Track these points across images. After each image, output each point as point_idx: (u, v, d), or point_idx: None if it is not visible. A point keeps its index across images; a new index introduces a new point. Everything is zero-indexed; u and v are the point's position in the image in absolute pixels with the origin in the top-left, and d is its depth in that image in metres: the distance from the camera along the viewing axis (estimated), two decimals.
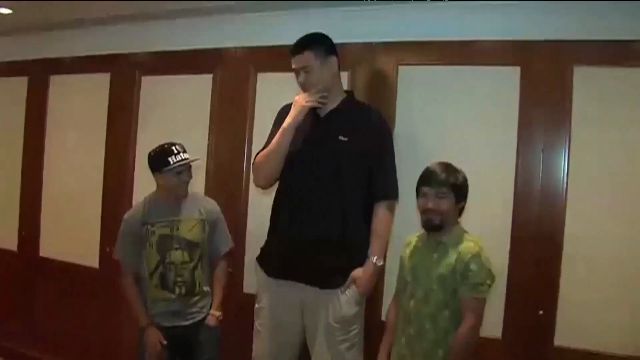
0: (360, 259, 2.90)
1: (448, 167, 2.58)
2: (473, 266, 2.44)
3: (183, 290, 3.19)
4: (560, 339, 3.00)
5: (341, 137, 2.88)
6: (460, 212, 2.64)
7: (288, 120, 2.89)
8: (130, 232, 3.24)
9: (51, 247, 4.63)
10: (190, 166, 3.22)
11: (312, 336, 2.97)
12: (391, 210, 2.96)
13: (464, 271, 2.45)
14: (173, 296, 3.18)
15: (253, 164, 3.09)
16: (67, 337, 4.49)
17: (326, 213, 2.88)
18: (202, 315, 3.25)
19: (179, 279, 3.18)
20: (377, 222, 2.92)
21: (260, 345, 3.06)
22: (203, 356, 3.21)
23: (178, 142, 3.24)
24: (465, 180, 2.59)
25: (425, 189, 2.58)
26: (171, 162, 3.11)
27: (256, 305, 3.10)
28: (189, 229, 3.21)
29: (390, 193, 2.95)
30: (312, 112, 2.96)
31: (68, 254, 4.51)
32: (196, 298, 3.23)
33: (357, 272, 2.87)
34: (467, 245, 2.50)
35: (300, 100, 2.88)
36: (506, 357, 3.10)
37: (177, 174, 3.16)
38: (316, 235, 2.87)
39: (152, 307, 3.23)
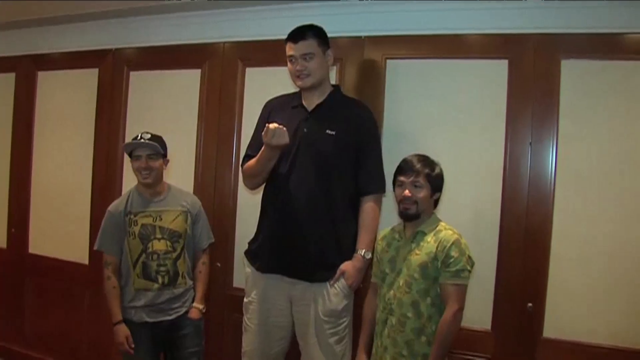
0: (348, 253, 2.92)
1: (424, 159, 2.64)
2: (454, 253, 2.48)
3: (166, 280, 3.19)
4: (549, 331, 3.02)
5: (328, 131, 2.89)
6: (435, 203, 2.69)
7: (265, 152, 2.86)
8: (113, 223, 3.23)
9: (40, 243, 4.62)
10: (155, 157, 3.19)
11: (301, 330, 2.98)
12: (378, 203, 2.98)
13: (445, 258, 2.49)
14: (156, 285, 3.18)
15: (242, 169, 3.12)
16: (57, 334, 4.48)
17: (314, 207, 2.88)
18: (185, 309, 3.25)
19: (162, 268, 3.19)
20: (364, 215, 2.94)
21: (249, 339, 3.07)
22: (187, 349, 3.22)
23: (155, 134, 3.26)
24: (440, 172, 2.65)
25: (401, 179, 2.63)
26: (125, 142, 3.16)
27: (245, 300, 3.11)
28: (172, 219, 3.22)
29: (377, 186, 2.96)
30: (300, 106, 2.99)
31: (57, 251, 4.50)
32: (179, 290, 3.23)
33: (346, 266, 2.88)
34: (446, 233, 2.55)
35: (267, 139, 2.76)
36: (495, 349, 3.11)
37: (137, 158, 3.17)
38: (304, 229, 2.88)
39: (136, 300, 3.20)
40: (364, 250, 2.89)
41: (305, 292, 2.92)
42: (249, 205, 3.56)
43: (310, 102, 2.99)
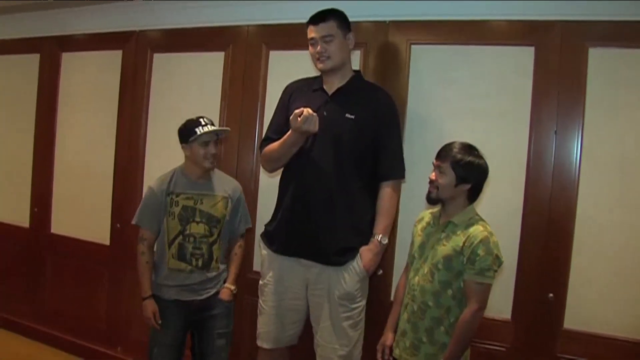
0: (366, 237, 2.91)
1: (462, 147, 2.56)
2: (480, 251, 2.43)
3: (200, 263, 3.21)
4: (570, 323, 2.99)
5: (348, 115, 2.88)
6: (469, 195, 2.58)
7: (291, 137, 2.85)
8: (154, 201, 3.24)
9: (63, 223, 4.67)
10: (218, 140, 3.23)
11: (316, 312, 2.99)
12: (397, 189, 2.97)
13: (471, 255, 2.44)
14: (190, 267, 3.20)
15: (261, 152, 3.11)
16: (76, 313, 4.54)
17: (331, 191, 2.88)
18: (216, 290, 3.26)
19: (197, 251, 3.20)
20: (382, 201, 2.93)
21: (264, 321, 3.09)
22: (215, 330, 3.23)
23: (206, 116, 3.25)
24: (472, 164, 2.52)
25: (433, 161, 2.60)
26: (198, 132, 3.12)
27: (260, 282, 3.13)
28: (212, 204, 3.23)
29: (396, 172, 2.95)
30: (320, 90, 2.98)
31: (79, 231, 4.55)
32: (212, 273, 3.25)
33: (362, 249, 2.89)
34: (477, 229, 2.49)
35: (298, 124, 2.74)
36: (515, 339, 3.09)
37: (204, 145, 3.16)
38: (321, 213, 2.89)
39: (169, 279, 3.22)
40: (380, 235, 2.89)
41: (321, 275, 2.93)
42: (270, 189, 3.55)
43: (331, 85, 2.98)
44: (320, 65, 2.93)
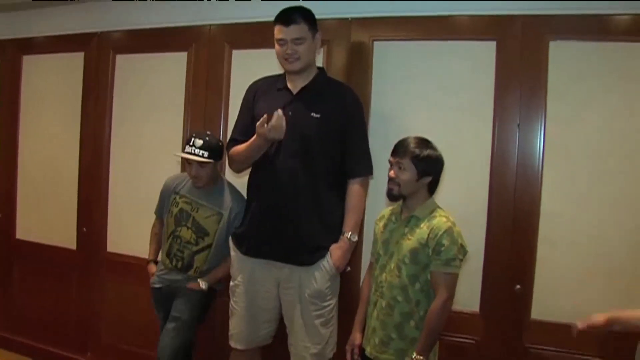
0: (336, 235, 2.91)
1: (417, 141, 2.58)
2: (445, 241, 2.45)
3: (178, 265, 3.32)
4: (537, 313, 3.03)
5: (313, 114, 2.88)
6: (429, 187, 2.61)
7: (257, 142, 2.84)
8: (163, 194, 3.48)
9: (28, 229, 4.61)
10: (201, 163, 3.20)
11: (288, 312, 3.00)
12: (364, 186, 2.98)
13: (436, 246, 2.45)
14: (170, 265, 3.34)
15: (227, 154, 3.10)
16: (45, 320, 4.47)
17: (299, 191, 2.87)
18: (181, 282, 3.32)
19: (179, 254, 3.32)
20: (351, 198, 2.93)
21: (236, 322, 3.09)
22: (172, 312, 3.28)
23: (208, 133, 3.30)
24: (431, 157, 2.55)
25: (390, 159, 2.61)
26: (183, 150, 3.25)
27: (231, 283, 3.12)
28: (205, 216, 3.28)
29: (364, 169, 2.96)
30: (284, 89, 2.97)
31: (45, 236, 4.49)
32: (187, 279, 3.31)
33: (332, 247, 2.89)
34: (440, 220, 2.51)
35: (264, 131, 2.74)
36: (483, 331, 3.11)
37: (188, 163, 3.25)
38: (289, 213, 2.88)
39: (158, 270, 3.43)
40: (350, 233, 2.90)
41: (292, 275, 2.93)
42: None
43: (295, 84, 2.96)
44: (288, 67, 2.91)
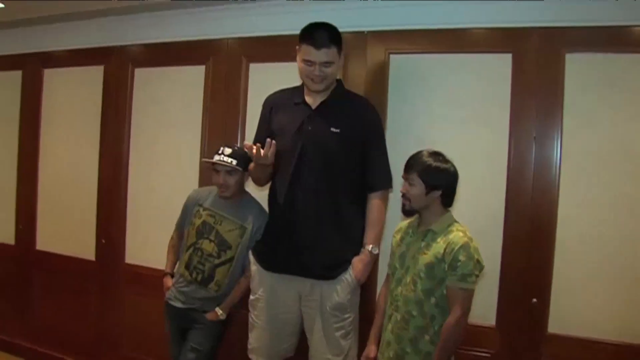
0: (356, 248, 2.92)
1: (427, 155, 2.58)
2: (461, 257, 2.43)
3: (198, 278, 3.26)
4: (554, 327, 3.00)
5: (333, 129, 2.87)
6: (443, 201, 2.59)
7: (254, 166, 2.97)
8: (187, 206, 3.43)
9: (48, 240, 4.64)
10: (231, 172, 3.19)
11: (309, 324, 2.99)
12: (385, 199, 2.98)
13: (452, 261, 2.44)
14: (189, 278, 3.28)
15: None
16: (64, 330, 4.50)
17: (321, 207, 2.88)
18: (203, 309, 3.28)
19: (200, 266, 3.26)
20: (372, 211, 2.94)
21: (258, 336, 3.08)
22: (190, 342, 3.26)
23: (236, 146, 3.29)
24: (438, 170, 2.53)
25: (402, 174, 2.62)
26: (212, 158, 3.23)
27: (251, 297, 3.11)
28: (228, 229, 3.25)
29: (384, 183, 2.96)
30: (302, 103, 2.96)
31: (65, 247, 4.52)
32: (208, 294, 3.27)
33: (354, 260, 2.90)
34: (456, 235, 2.49)
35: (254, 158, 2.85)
36: (500, 345, 3.09)
37: (215, 172, 3.23)
38: (311, 230, 2.88)
39: (177, 283, 3.37)
40: (371, 246, 2.90)
41: (314, 288, 2.93)
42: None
43: (314, 99, 2.95)
44: (313, 87, 2.90)
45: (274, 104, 3.08)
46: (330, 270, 2.90)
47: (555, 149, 3.00)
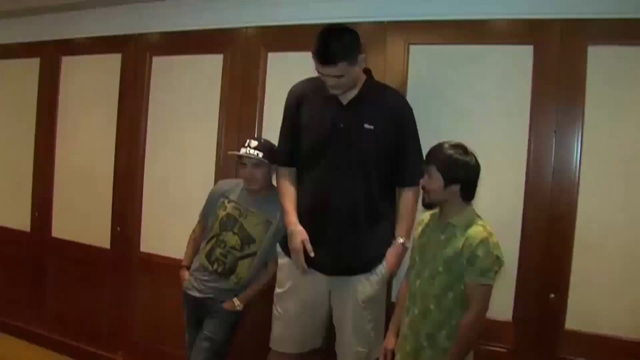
0: (387, 242, 2.90)
1: (448, 147, 2.49)
2: (480, 252, 2.38)
3: (219, 270, 3.26)
4: (572, 323, 2.96)
5: (367, 126, 2.80)
6: (463, 195, 2.50)
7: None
8: (212, 197, 3.42)
9: (64, 227, 4.67)
10: (259, 164, 3.19)
11: (339, 316, 2.96)
12: (417, 193, 2.89)
13: (471, 257, 2.39)
14: (210, 269, 3.28)
15: (277, 169, 3.16)
16: (79, 318, 4.53)
17: (354, 207, 2.83)
18: (219, 297, 3.27)
19: (222, 258, 3.25)
20: (404, 205, 2.92)
21: (282, 328, 3.04)
22: (204, 330, 3.26)
23: (264, 139, 3.29)
24: (458, 163, 2.45)
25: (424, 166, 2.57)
26: (239, 152, 3.22)
27: (278, 290, 3.07)
28: (253, 224, 3.25)
29: (417, 178, 2.81)
30: (334, 100, 2.86)
31: (80, 235, 4.54)
32: (227, 285, 3.27)
33: (388, 253, 2.88)
34: (476, 230, 2.43)
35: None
36: (516, 340, 3.07)
37: (242, 165, 3.25)
38: (344, 230, 2.84)
39: (195, 271, 3.37)
40: (403, 238, 2.88)
41: (344, 283, 2.89)
42: None
43: (345, 95, 2.86)
44: (332, 92, 2.82)
45: (301, 95, 2.98)
46: (364, 264, 2.87)
47: (576, 144, 2.96)
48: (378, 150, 2.82)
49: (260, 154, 3.14)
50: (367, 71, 2.95)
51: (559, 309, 2.97)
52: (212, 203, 3.39)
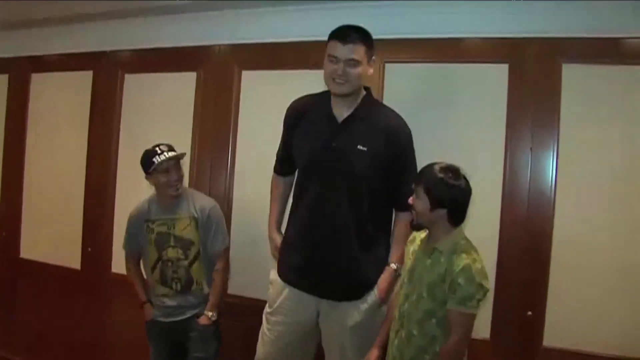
0: (380, 268, 2.83)
1: (438, 169, 2.41)
2: (461, 280, 2.30)
3: (179, 287, 3.26)
4: (550, 340, 2.98)
5: (360, 147, 2.70)
6: (450, 219, 2.43)
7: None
8: (133, 227, 3.36)
9: (32, 248, 4.57)
10: (178, 164, 3.21)
11: (327, 340, 2.90)
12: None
13: (452, 284, 2.32)
14: (172, 292, 3.27)
15: (272, 179, 3.16)
16: (49, 339, 4.43)
17: (346, 230, 2.74)
18: (194, 312, 3.26)
19: (175, 275, 3.25)
20: (398, 229, 2.84)
21: (269, 348, 2.95)
22: (192, 353, 3.22)
23: (165, 142, 3.23)
24: (445, 187, 2.36)
25: (413, 185, 2.49)
26: (155, 162, 3.11)
27: (267, 309, 2.99)
28: (183, 227, 3.23)
29: None
30: (330, 117, 2.80)
31: (49, 255, 4.46)
32: (194, 296, 3.26)
33: (380, 279, 2.81)
34: (459, 257, 2.35)
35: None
36: (495, 358, 3.07)
37: (165, 173, 3.15)
38: (334, 253, 2.76)
39: (155, 302, 3.34)
40: (396, 264, 2.80)
41: (334, 308, 2.82)
42: (243, 211, 3.58)
43: (341, 110, 2.78)
44: (335, 89, 2.71)
45: (303, 111, 2.90)
46: (355, 291, 2.80)
47: (551, 161, 2.99)
48: (370, 173, 2.72)
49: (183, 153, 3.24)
50: (367, 88, 2.88)
51: (537, 326, 2.98)
52: (135, 234, 3.35)
